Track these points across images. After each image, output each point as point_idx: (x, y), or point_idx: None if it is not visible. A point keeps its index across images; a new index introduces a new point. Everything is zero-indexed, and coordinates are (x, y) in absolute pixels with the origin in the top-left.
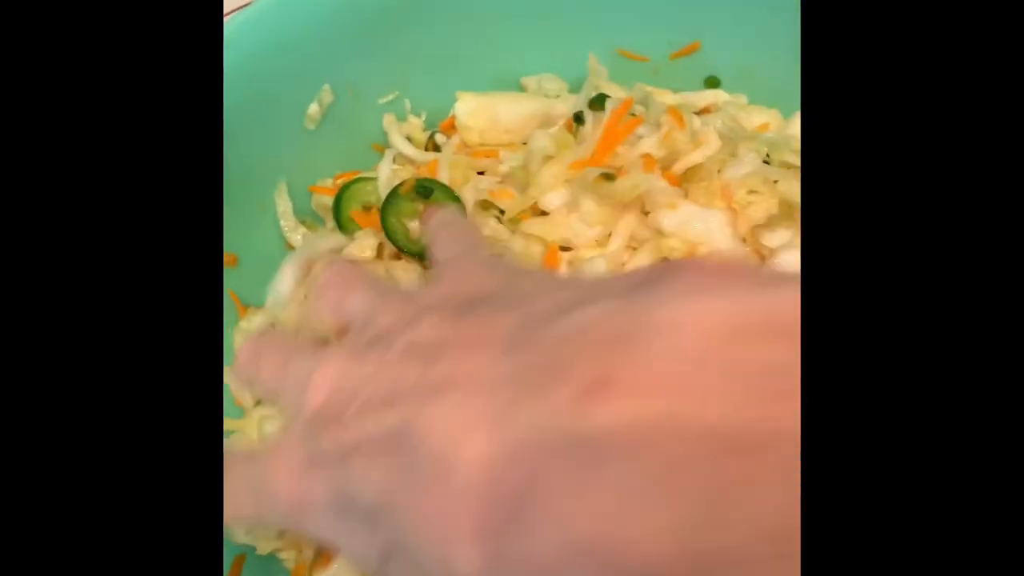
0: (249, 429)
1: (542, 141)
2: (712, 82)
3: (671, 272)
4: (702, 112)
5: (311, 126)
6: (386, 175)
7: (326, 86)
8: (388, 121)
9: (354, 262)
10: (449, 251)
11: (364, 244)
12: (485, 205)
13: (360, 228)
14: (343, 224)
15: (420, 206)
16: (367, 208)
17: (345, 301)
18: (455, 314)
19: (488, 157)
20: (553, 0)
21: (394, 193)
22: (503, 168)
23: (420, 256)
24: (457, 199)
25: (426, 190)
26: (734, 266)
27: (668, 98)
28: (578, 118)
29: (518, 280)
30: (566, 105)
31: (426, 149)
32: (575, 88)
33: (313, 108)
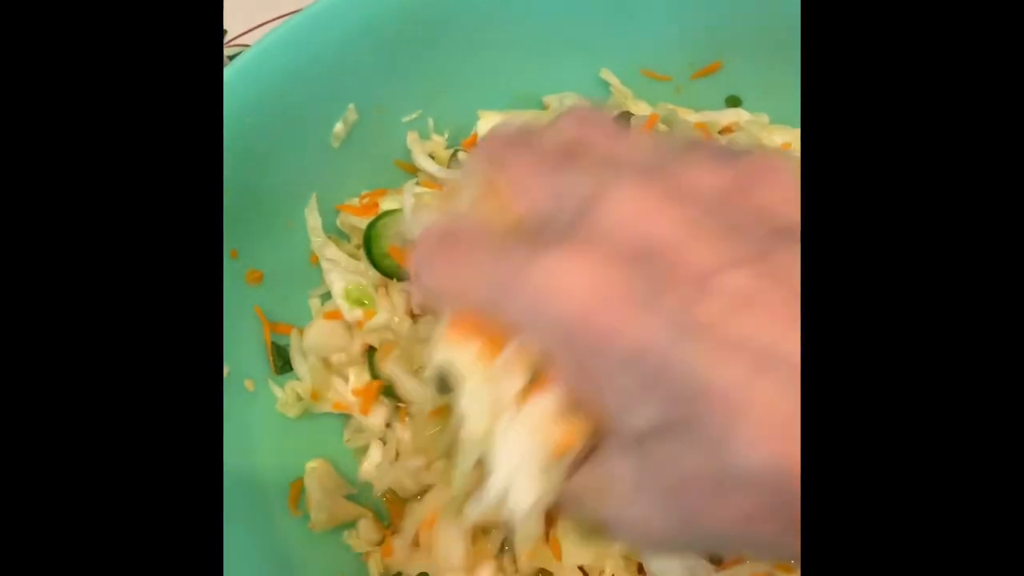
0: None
1: None
2: (733, 101)
3: None
4: (724, 131)
5: (336, 144)
6: (410, 204)
7: (351, 106)
8: (412, 139)
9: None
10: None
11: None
12: None
13: (397, 264)
14: (377, 262)
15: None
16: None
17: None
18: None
19: None
20: (575, 21)
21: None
22: None
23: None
24: None
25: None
26: None
27: (691, 116)
28: None
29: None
30: None
31: (449, 167)
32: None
33: (338, 127)
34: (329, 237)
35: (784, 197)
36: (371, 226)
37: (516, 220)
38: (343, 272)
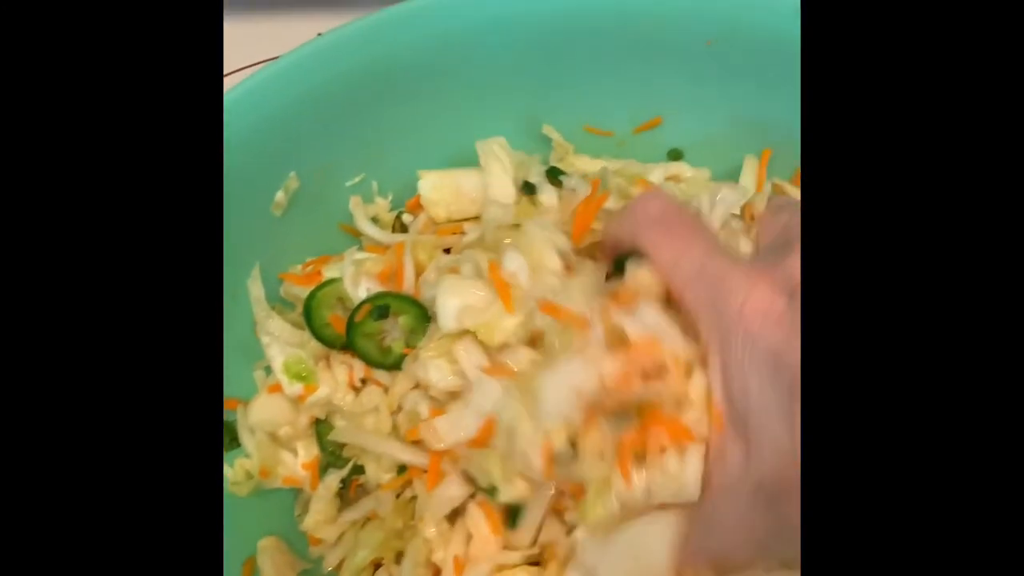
0: None
1: (496, 211)
2: (675, 154)
3: None
4: (670, 179)
5: (278, 213)
6: (349, 273)
7: (292, 173)
8: (354, 203)
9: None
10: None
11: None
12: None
13: (339, 334)
14: (317, 333)
15: (382, 324)
16: (345, 308)
17: (784, 231)
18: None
19: (454, 234)
20: (517, 80)
21: (352, 322)
22: (466, 239)
23: (396, 366)
24: (416, 303)
25: (382, 309)
26: None
27: (634, 168)
28: (528, 187)
29: None
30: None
31: (393, 230)
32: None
33: (279, 196)
34: (274, 307)
35: None
36: (311, 297)
37: None
38: (283, 346)
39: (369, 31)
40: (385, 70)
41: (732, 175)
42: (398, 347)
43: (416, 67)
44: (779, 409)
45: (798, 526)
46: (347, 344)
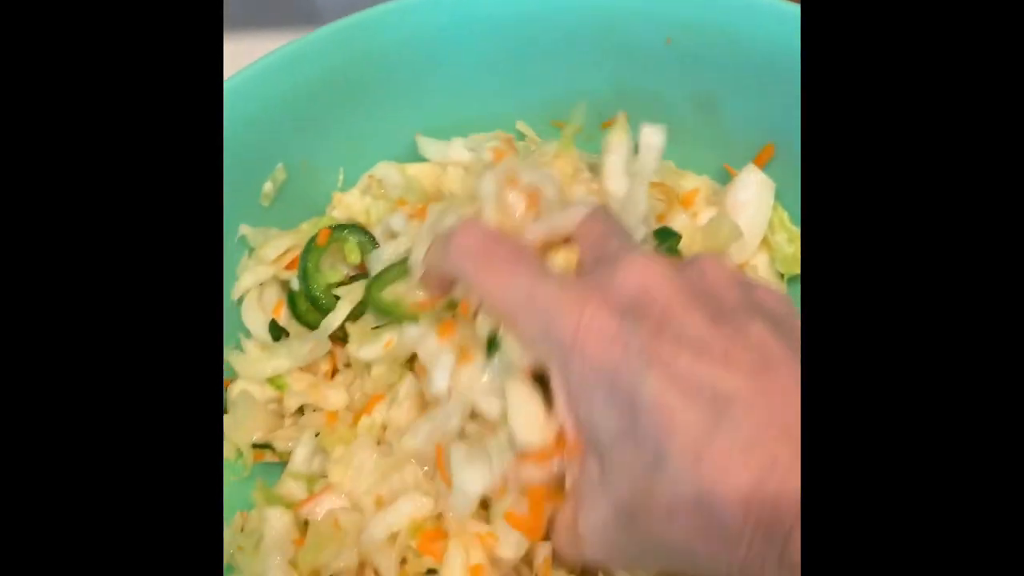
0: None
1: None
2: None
3: None
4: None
5: (266, 203)
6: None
7: (280, 165)
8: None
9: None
10: (609, 245)
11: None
12: None
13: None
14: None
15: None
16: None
17: (605, 242)
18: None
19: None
20: (490, 78)
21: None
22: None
23: (325, 312)
24: (370, 234)
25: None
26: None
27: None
28: None
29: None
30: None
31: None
32: None
33: (267, 186)
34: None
35: (775, 298)
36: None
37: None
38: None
39: (346, 32)
40: (365, 67)
41: (696, 170)
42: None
43: (394, 65)
44: (621, 430)
45: (660, 542)
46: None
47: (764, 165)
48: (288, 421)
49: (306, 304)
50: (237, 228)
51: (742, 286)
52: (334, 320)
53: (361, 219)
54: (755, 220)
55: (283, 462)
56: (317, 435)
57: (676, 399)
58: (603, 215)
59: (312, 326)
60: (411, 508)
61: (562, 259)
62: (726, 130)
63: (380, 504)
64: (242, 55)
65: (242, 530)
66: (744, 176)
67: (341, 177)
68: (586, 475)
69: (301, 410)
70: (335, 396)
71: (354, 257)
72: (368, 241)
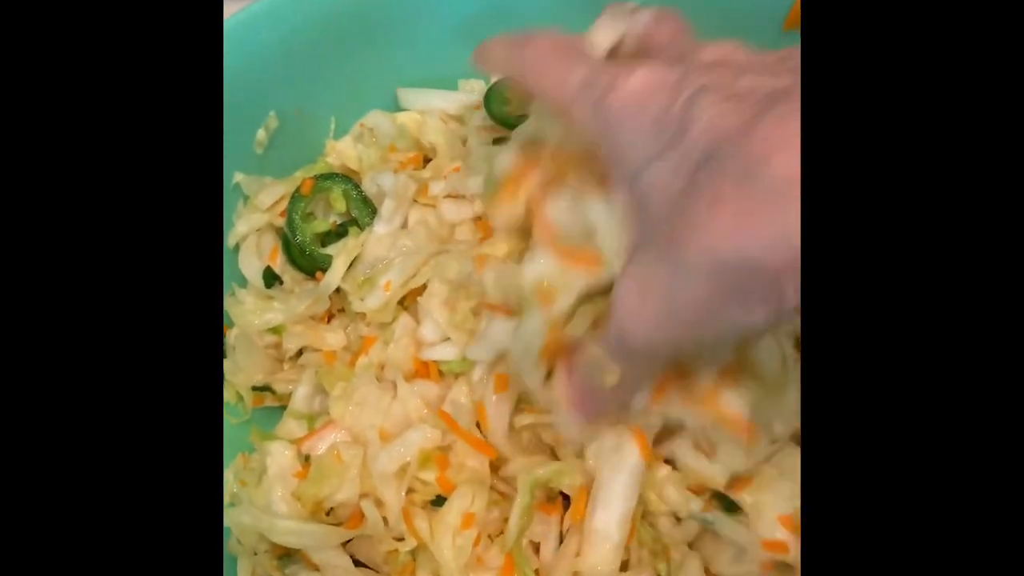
0: None
1: None
2: None
3: None
4: None
5: (260, 151)
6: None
7: (272, 113)
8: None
9: None
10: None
11: None
12: None
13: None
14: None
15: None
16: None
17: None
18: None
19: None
20: (485, 24)
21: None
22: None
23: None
24: (354, 182)
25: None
26: None
27: None
28: None
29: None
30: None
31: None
32: None
33: (261, 134)
34: None
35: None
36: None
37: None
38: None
39: None
40: (358, 14)
41: None
42: None
43: (387, 14)
44: (668, 159)
45: (706, 260)
46: None
47: None
48: (287, 365)
49: (299, 250)
50: (232, 176)
51: None
52: (333, 279)
53: (354, 166)
54: None
55: (282, 406)
56: (317, 373)
57: (727, 104)
58: (673, 15)
59: (307, 271)
60: (420, 438)
61: None
62: None
63: (385, 437)
64: (234, 1)
65: (244, 468)
66: None
67: (333, 126)
68: (634, 249)
69: (300, 354)
70: (333, 337)
71: (340, 205)
72: (353, 189)
